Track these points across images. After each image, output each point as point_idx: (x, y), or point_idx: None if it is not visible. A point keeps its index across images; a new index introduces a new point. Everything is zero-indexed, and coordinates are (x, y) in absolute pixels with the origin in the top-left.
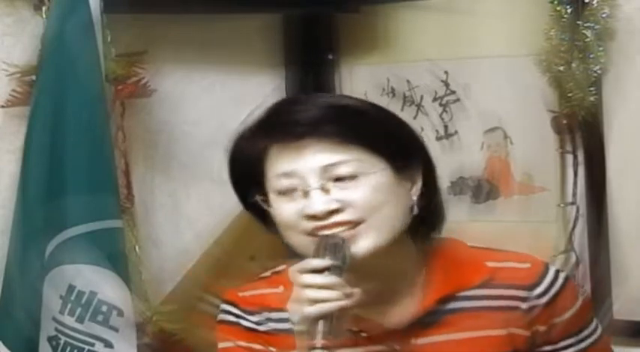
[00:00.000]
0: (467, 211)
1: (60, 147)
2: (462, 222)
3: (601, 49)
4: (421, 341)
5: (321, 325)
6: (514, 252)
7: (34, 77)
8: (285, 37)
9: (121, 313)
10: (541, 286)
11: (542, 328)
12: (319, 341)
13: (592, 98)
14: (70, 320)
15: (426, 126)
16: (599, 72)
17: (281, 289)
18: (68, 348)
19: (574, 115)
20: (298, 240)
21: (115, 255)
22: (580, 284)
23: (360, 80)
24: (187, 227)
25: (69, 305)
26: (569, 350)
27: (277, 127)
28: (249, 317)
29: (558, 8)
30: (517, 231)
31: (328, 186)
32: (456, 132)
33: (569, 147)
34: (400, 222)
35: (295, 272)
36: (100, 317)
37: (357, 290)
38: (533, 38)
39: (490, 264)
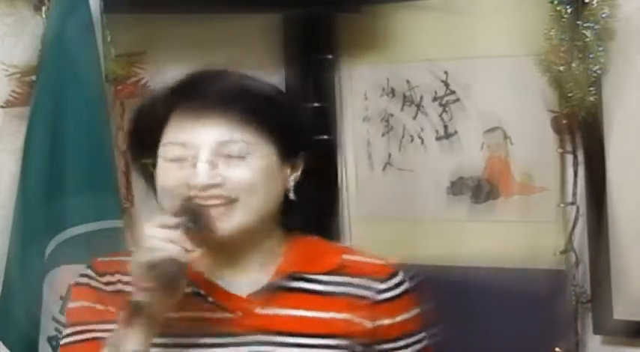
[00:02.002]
0: (467, 211)
1: (60, 148)
2: (462, 222)
3: (601, 49)
4: (264, 310)
5: (152, 271)
6: (370, 253)
7: (34, 77)
8: (285, 37)
9: None
10: (388, 283)
11: (386, 322)
12: (145, 284)
13: (592, 98)
14: None
15: (425, 127)
16: (599, 72)
17: None
18: None
19: (574, 115)
20: (172, 206)
21: None
22: (580, 284)
23: (360, 80)
24: None
25: None
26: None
27: (184, 97)
28: (98, 278)
29: (558, 8)
30: (517, 231)
31: (217, 161)
32: (456, 132)
33: (569, 147)
34: (272, 204)
35: (147, 224)
36: None
37: (197, 252)
38: (533, 38)
39: (345, 256)
